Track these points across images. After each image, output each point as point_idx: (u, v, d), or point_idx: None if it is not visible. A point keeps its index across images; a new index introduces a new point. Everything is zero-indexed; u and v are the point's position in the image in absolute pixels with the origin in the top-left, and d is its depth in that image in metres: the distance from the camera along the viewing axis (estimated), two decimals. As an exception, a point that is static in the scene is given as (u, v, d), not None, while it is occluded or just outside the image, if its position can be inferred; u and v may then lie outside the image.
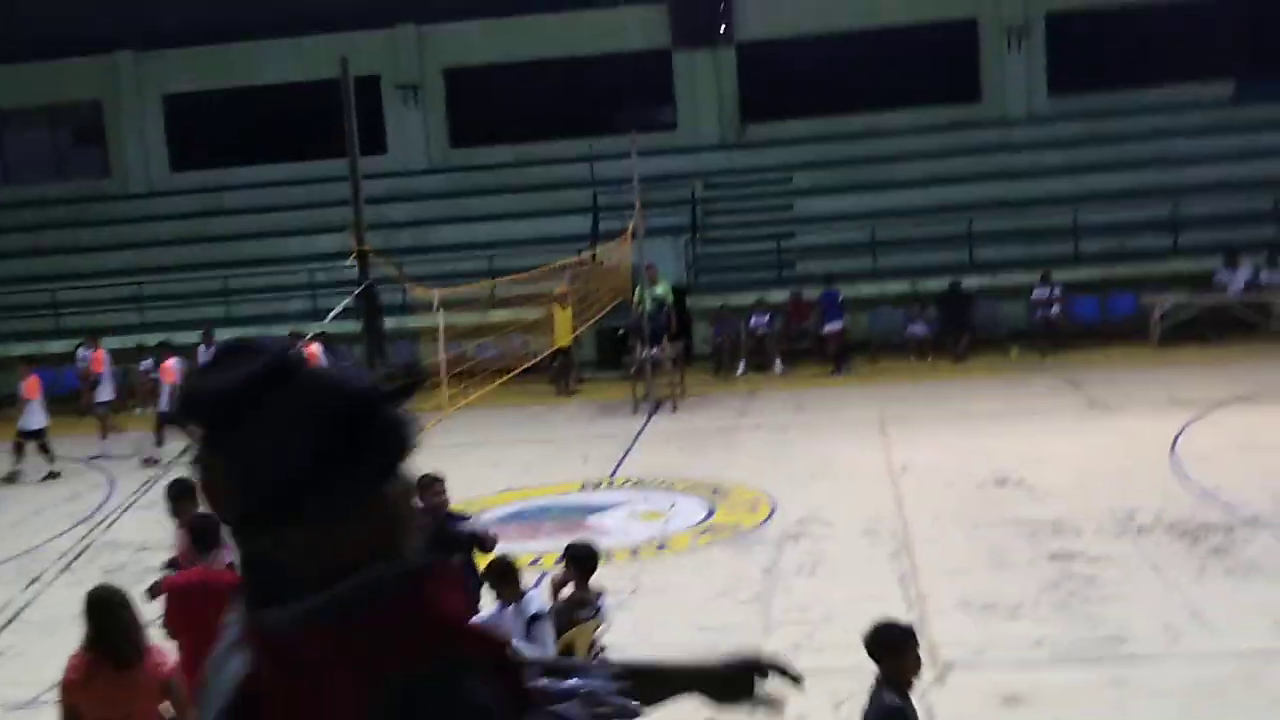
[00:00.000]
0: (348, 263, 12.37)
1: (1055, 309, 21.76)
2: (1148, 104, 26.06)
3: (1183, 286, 21.98)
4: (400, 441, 1.88)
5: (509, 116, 28.92)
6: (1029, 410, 16.75)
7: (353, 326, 19.55)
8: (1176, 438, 14.31)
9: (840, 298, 21.74)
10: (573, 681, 2.12)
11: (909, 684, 5.03)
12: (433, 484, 8.44)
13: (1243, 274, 21.71)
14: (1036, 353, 21.23)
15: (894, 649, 5.05)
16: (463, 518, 8.56)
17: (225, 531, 2.17)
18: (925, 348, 21.93)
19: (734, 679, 2.22)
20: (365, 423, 1.81)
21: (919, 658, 5.12)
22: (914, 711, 4.98)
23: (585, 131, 27.37)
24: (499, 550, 7.84)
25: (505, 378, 16.89)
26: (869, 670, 5.07)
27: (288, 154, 28.86)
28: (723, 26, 28.23)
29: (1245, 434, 14.29)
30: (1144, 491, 12.09)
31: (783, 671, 2.23)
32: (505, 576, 7.12)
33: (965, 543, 11.00)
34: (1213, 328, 21.19)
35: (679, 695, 2.23)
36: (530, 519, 12.87)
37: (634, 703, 2.11)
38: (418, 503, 7.63)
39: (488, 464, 15.69)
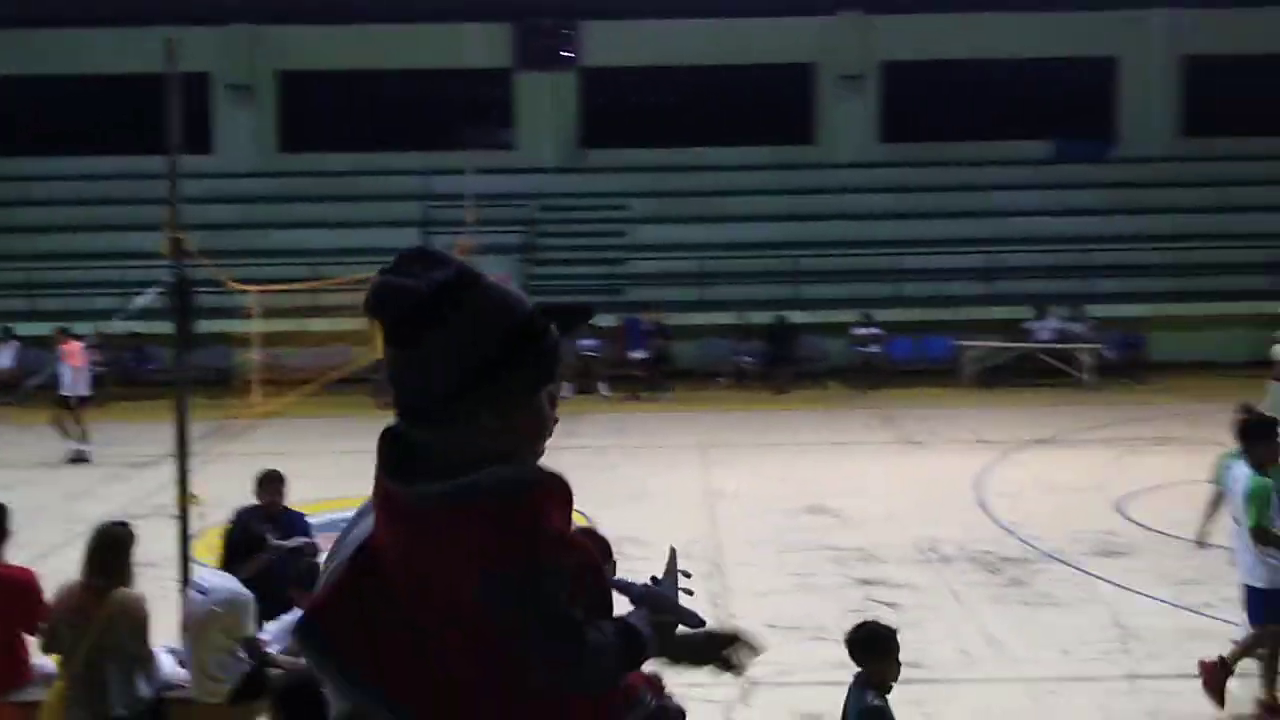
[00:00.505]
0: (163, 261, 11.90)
1: (875, 347, 22.37)
2: (972, 157, 27.12)
3: (995, 332, 22.90)
4: (555, 360, 2.08)
5: (343, 124, 28.46)
6: (845, 443, 17.14)
7: (164, 327, 18.85)
8: (981, 475, 14.82)
9: (642, 326, 21.89)
10: (641, 586, 2.35)
11: (888, 688, 5.08)
12: (272, 481, 8.24)
13: (1050, 324, 22.72)
14: (855, 389, 21.77)
15: (880, 652, 5.10)
16: (300, 516, 8.43)
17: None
18: (749, 378, 22.28)
19: (708, 646, 2.44)
20: (534, 338, 1.99)
21: (899, 662, 5.16)
22: (892, 714, 5.02)
23: (421, 145, 27.10)
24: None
25: (318, 381, 16.51)
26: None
27: (106, 147, 27.75)
28: (566, 51, 28.34)
29: (1044, 474, 14.90)
30: (948, 524, 12.47)
31: (749, 645, 2.51)
32: (313, 582, 6.90)
33: (776, 567, 11.15)
34: (1021, 374, 22.11)
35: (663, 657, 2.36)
36: (340, 529, 12.53)
37: (698, 614, 2.33)
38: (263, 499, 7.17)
39: (300, 473, 15.24)
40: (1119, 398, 20.55)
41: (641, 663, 2.09)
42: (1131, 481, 14.21)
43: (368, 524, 2.07)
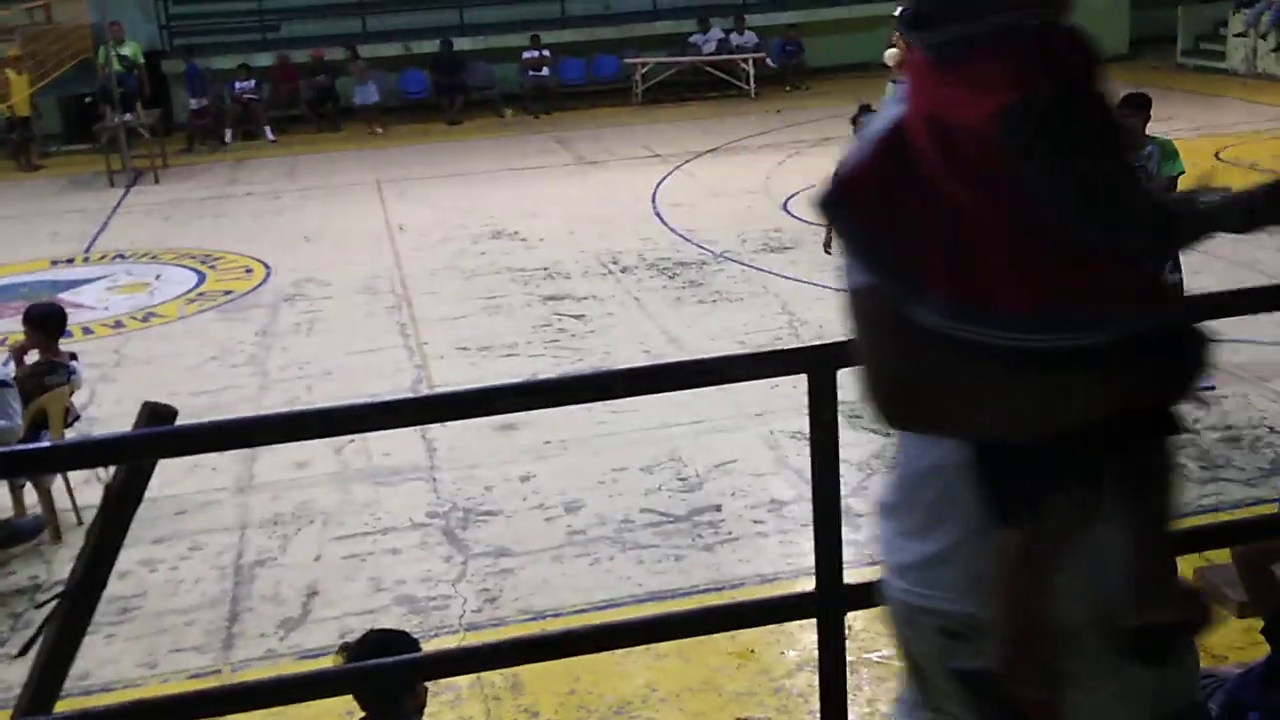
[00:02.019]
0: None
1: (545, 70, 22.11)
2: None
3: (662, 49, 23.03)
4: None
5: None
6: (521, 168, 17.09)
7: None
8: (655, 188, 15.17)
9: (200, 72, 20.68)
10: None
11: None
12: None
13: (714, 36, 23.01)
14: (528, 113, 21.58)
15: None
16: None
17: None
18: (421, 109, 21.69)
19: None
20: None
21: None
22: None
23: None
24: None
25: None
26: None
27: None
28: None
29: (714, 182, 15.38)
30: (627, 236, 12.78)
31: None
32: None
33: (462, 292, 11.19)
34: (689, 88, 22.45)
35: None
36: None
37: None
38: None
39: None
40: (781, 104, 21.24)
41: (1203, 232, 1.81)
42: (796, 182, 14.88)
43: (898, 110, 1.92)
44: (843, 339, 2.66)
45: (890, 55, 9.13)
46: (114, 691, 5.24)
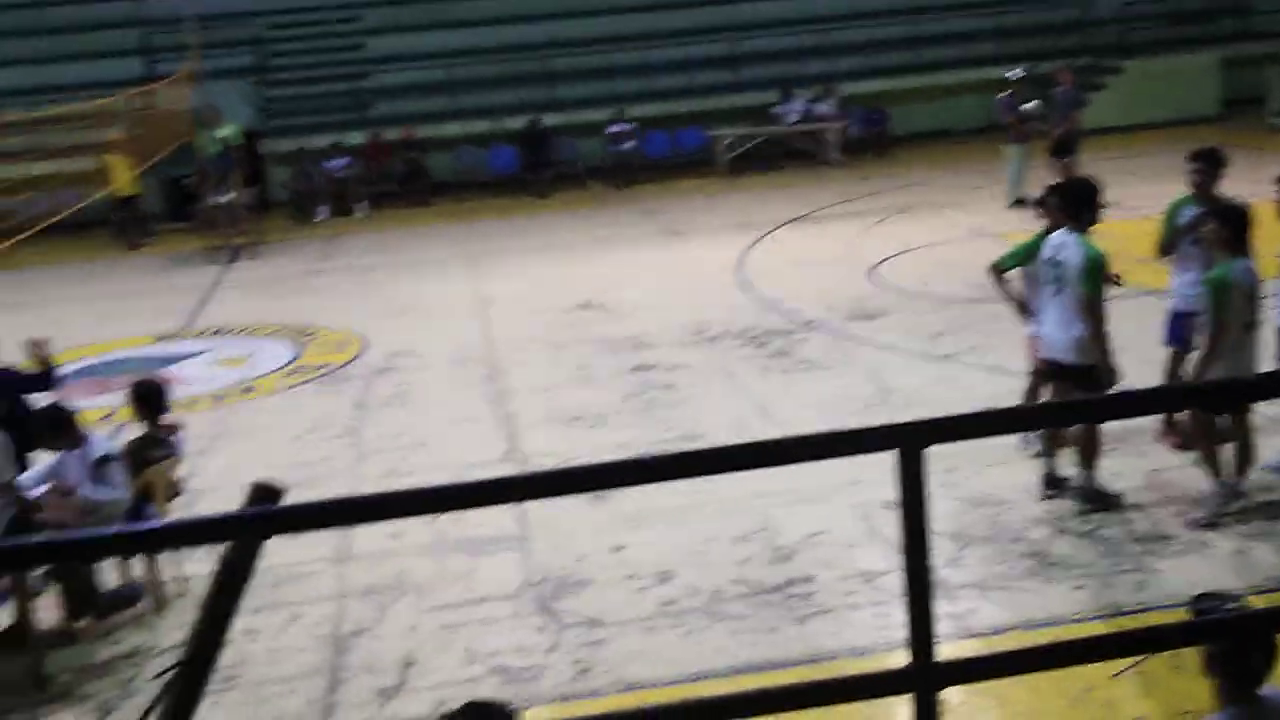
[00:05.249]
0: None
1: (630, 144, 22.45)
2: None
3: (744, 119, 23.27)
4: None
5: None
6: (608, 240, 17.32)
7: None
8: (741, 257, 15.27)
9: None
10: None
11: None
12: None
13: (796, 106, 23.20)
14: (613, 186, 21.89)
15: None
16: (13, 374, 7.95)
17: None
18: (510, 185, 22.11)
19: None
20: None
21: None
22: None
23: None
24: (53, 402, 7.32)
25: (44, 225, 15.59)
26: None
27: None
28: None
29: (799, 250, 15.46)
30: (713, 306, 12.87)
31: None
32: (57, 424, 6.68)
33: (552, 363, 11.34)
34: (772, 158, 22.63)
35: None
36: (102, 374, 12.07)
37: None
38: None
39: (49, 322, 14.54)
40: (866, 172, 21.32)
41: None
42: (881, 250, 14.91)
43: None
44: (931, 416, 2.68)
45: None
46: (218, 760, 5.34)
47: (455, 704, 4.12)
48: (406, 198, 21.91)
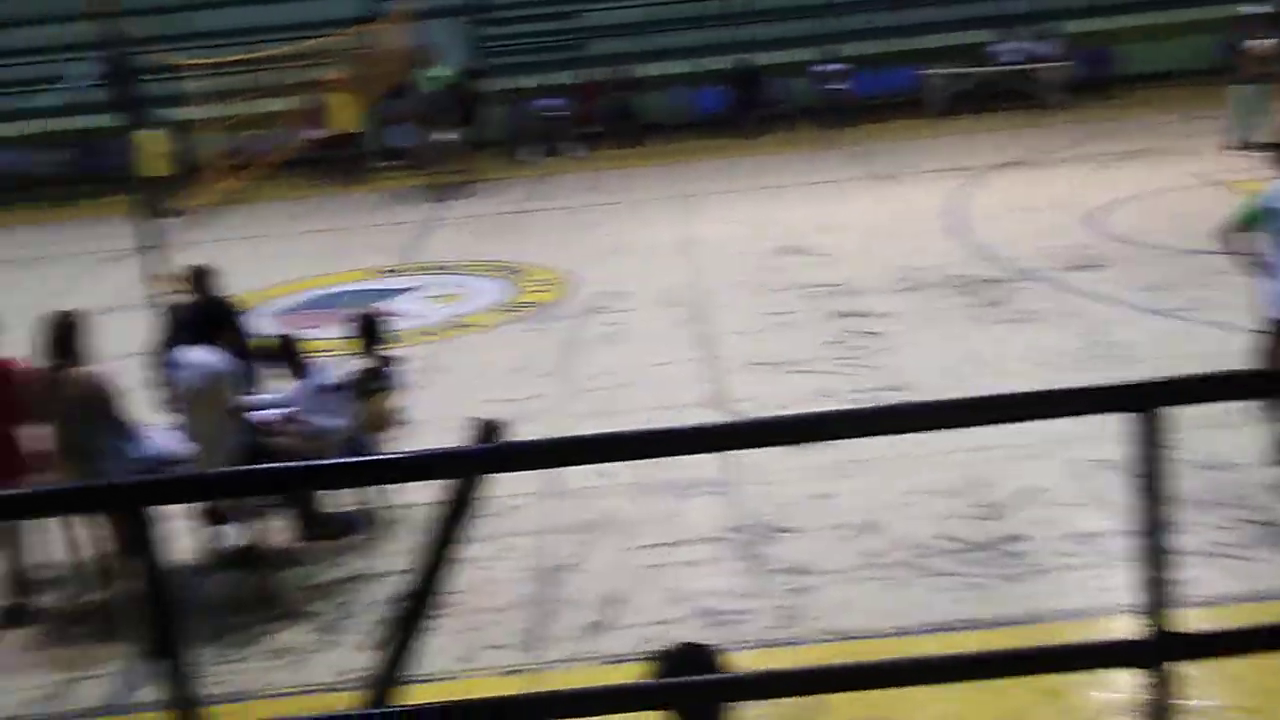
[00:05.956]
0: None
1: (839, 84, 22.01)
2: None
3: (959, 59, 22.51)
4: None
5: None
6: (817, 183, 17.08)
7: (104, 120, 18.51)
8: (953, 202, 14.86)
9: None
10: None
11: None
12: (204, 275, 8.16)
13: (1013, 45, 22.33)
14: (823, 128, 21.54)
15: None
16: (232, 308, 8.33)
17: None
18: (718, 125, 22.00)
19: None
20: None
21: None
22: None
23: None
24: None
25: (270, 161, 16.26)
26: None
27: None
28: None
29: (1016, 196, 14.94)
30: (924, 252, 12.58)
31: None
32: (288, 354, 7.00)
33: (756, 307, 11.29)
34: (988, 99, 21.86)
35: None
36: (323, 306, 12.60)
37: None
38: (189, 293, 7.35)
39: (278, 254, 15.28)
40: (1087, 115, 20.41)
41: None
42: (1102, 196, 14.28)
43: None
44: (1153, 373, 2.55)
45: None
46: (433, 684, 5.56)
47: (659, 644, 4.18)
48: (616, 138, 22.02)
